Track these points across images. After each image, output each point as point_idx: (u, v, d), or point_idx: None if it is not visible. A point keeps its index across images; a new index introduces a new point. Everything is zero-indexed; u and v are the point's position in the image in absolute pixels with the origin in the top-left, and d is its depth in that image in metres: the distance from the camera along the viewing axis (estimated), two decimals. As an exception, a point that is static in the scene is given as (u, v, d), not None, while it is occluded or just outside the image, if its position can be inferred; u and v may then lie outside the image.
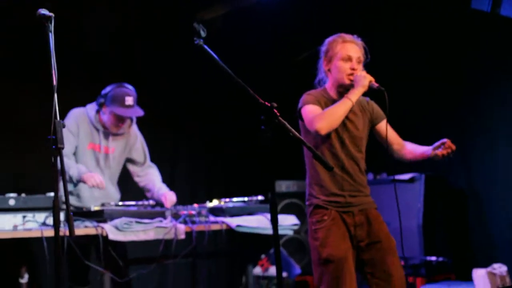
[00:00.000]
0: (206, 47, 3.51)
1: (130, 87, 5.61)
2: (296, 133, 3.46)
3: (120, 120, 5.55)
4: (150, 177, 5.95)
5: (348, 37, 4.32)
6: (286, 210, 7.33)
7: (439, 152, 4.31)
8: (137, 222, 5.03)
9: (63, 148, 3.38)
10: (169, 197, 5.62)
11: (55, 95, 3.46)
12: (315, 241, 4.16)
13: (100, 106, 5.56)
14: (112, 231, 4.89)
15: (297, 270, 7.42)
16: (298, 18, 7.85)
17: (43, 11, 3.57)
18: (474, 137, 7.22)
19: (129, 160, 5.90)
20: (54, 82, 3.47)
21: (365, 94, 4.30)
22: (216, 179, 8.34)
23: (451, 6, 6.89)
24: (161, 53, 7.89)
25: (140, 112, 5.60)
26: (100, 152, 5.65)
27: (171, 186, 6.01)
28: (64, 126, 3.45)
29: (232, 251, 6.96)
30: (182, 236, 5.16)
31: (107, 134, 5.63)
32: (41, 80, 6.74)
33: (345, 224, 4.19)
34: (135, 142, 5.87)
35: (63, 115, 6.20)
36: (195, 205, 5.66)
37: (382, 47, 7.53)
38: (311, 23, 7.87)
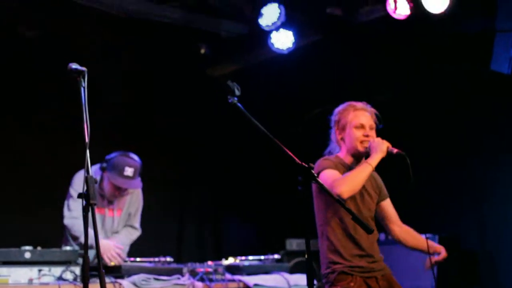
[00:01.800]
0: (240, 105, 3.49)
1: (134, 157, 5.56)
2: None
3: (117, 189, 5.51)
4: (121, 231, 5.85)
5: (358, 105, 4.35)
6: (298, 269, 7.20)
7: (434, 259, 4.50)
8: (155, 279, 4.95)
9: (95, 204, 3.33)
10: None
11: (87, 152, 3.38)
12: None
13: (102, 170, 5.54)
14: (130, 287, 4.81)
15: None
16: (308, 75, 7.84)
17: (75, 66, 3.52)
18: (487, 197, 7.19)
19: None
20: (87, 139, 3.38)
21: (383, 160, 4.27)
22: (229, 237, 8.28)
23: (471, 66, 6.90)
24: (170, 108, 7.90)
25: (137, 185, 5.58)
26: (105, 215, 5.65)
27: (182, 244, 5.97)
28: (96, 182, 3.41)
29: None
30: (200, 294, 5.09)
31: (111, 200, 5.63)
32: (57, 134, 6.84)
33: None
34: (137, 200, 5.83)
35: (67, 171, 6.24)
36: (210, 263, 5.58)
37: (395, 107, 7.59)
38: (322, 80, 7.88)
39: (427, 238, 4.39)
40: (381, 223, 4.49)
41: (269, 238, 7.88)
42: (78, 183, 5.48)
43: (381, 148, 4.14)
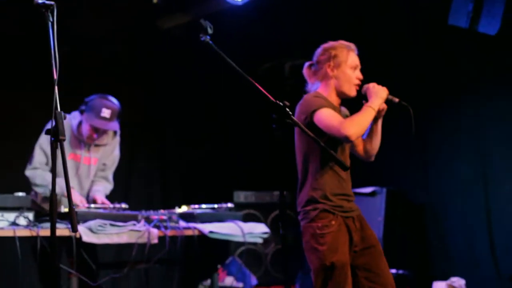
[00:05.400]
0: (212, 43, 3.44)
1: (113, 100, 5.47)
2: (310, 132, 3.42)
3: (94, 131, 5.41)
4: (98, 184, 5.80)
5: (352, 45, 4.27)
6: (245, 221, 7.24)
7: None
8: (111, 224, 4.88)
9: (64, 140, 3.23)
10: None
11: (56, 88, 3.27)
12: (321, 246, 4.03)
13: (81, 112, 5.44)
14: (86, 233, 4.73)
15: (254, 281, 7.35)
16: (263, 28, 7.75)
17: (41, 0, 3.40)
18: (434, 151, 7.31)
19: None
20: (55, 76, 3.29)
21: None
22: (175, 188, 8.24)
23: (428, 21, 6.93)
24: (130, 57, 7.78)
25: (113, 127, 5.47)
26: (80, 163, 5.53)
27: (130, 192, 5.93)
28: (65, 118, 3.31)
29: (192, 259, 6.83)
30: (155, 241, 5.03)
31: (88, 145, 5.51)
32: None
33: (348, 229, 4.14)
34: (113, 151, 5.77)
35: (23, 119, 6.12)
36: (162, 211, 5.52)
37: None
38: (275, 33, 7.83)
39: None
40: (352, 152, 4.39)
41: (215, 190, 7.85)
42: (45, 135, 5.39)
43: (381, 94, 4.11)
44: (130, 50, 7.84)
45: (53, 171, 3.28)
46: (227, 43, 7.69)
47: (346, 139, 3.97)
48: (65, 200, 5.24)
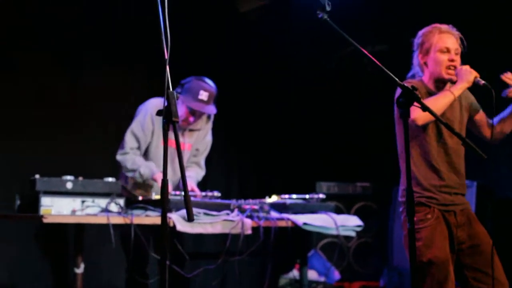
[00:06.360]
0: (330, 21, 3.22)
1: (210, 82, 5.25)
2: (437, 114, 3.21)
3: (191, 113, 5.17)
4: (191, 170, 5.60)
5: (444, 27, 4.09)
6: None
7: None
8: (205, 213, 4.71)
9: (177, 122, 3.03)
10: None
11: (167, 68, 3.07)
12: (417, 242, 3.82)
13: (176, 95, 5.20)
14: (180, 221, 4.56)
15: (337, 275, 7.12)
16: (342, 12, 7.46)
17: None
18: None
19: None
20: (166, 55, 3.08)
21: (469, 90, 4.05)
22: (253, 178, 8.03)
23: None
24: (199, 46, 7.58)
25: (212, 110, 5.24)
26: (174, 148, 5.32)
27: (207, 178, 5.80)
28: (178, 98, 3.11)
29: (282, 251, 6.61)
30: (249, 231, 4.86)
31: (182, 129, 5.28)
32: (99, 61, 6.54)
33: (447, 224, 3.92)
34: (205, 136, 5.53)
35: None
36: (250, 200, 5.31)
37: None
38: (356, 18, 7.55)
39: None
40: (476, 134, 4.19)
41: (295, 181, 7.62)
42: (141, 115, 5.21)
43: (467, 77, 3.89)
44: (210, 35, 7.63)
45: (165, 154, 3.03)
46: (307, 26, 7.60)
47: (412, 123, 3.80)
48: (156, 185, 5.09)
